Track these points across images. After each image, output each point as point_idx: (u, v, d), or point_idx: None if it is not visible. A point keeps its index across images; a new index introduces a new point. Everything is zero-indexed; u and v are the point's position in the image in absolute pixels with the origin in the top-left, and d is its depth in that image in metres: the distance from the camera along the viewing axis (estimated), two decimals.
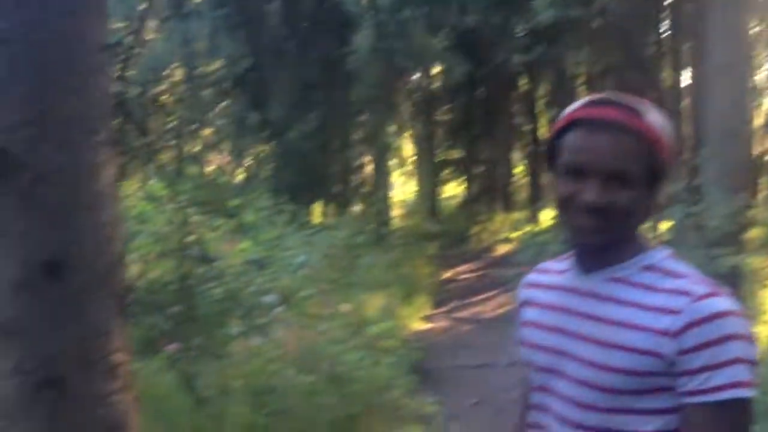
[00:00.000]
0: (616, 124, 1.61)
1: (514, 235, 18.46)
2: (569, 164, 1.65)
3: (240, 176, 16.68)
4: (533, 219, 19.43)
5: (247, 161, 18.88)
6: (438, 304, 12.42)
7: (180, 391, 4.99)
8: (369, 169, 17.55)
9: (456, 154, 24.67)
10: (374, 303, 9.11)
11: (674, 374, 1.58)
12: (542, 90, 22.87)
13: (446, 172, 24.75)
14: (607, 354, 1.62)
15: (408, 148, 21.25)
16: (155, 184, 5.68)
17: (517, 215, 21.42)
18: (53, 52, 2.02)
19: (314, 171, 11.71)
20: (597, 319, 1.66)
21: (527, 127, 23.36)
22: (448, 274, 16.01)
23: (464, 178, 25.13)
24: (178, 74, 17.58)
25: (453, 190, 27.13)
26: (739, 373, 1.53)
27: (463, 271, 16.59)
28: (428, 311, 11.77)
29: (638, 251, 1.69)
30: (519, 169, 25.93)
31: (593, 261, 1.70)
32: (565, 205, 1.67)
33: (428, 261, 15.71)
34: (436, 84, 22.52)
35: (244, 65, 10.63)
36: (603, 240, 1.66)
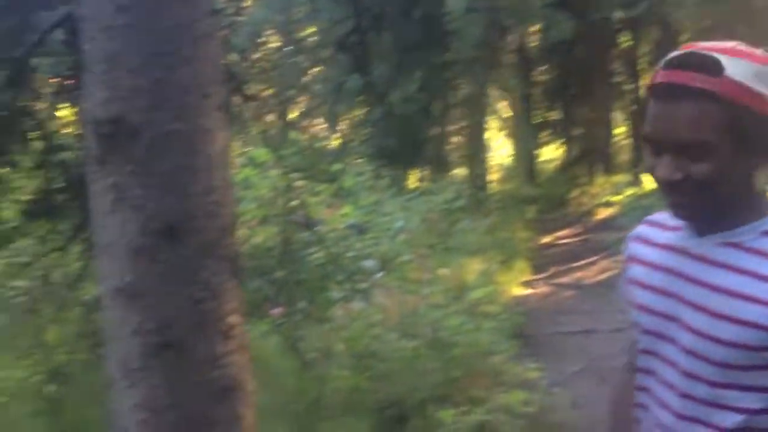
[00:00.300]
0: (688, 89, 1.45)
1: (615, 198, 18.03)
2: (645, 137, 1.53)
3: (336, 142, 16.80)
4: (635, 182, 18.91)
5: (345, 126, 19.01)
6: (538, 270, 12.28)
7: (284, 354, 5.09)
8: (467, 132, 17.38)
9: (554, 115, 24.21)
10: (473, 268, 9.07)
11: None
12: (644, 47, 22.12)
13: (544, 134, 24.33)
14: (716, 325, 1.50)
15: (505, 110, 20.91)
16: (259, 150, 5.76)
17: (619, 178, 20.85)
18: (167, 19, 2.05)
19: (414, 134, 11.67)
20: (707, 286, 1.54)
21: (628, 87, 22.68)
22: (547, 239, 15.80)
23: (563, 139, 24.66)
24: (275, 41, 17.76)
25: (552, 152, 26.70)
26: None
27: (562, 236, 16.33)
28: (528, 277, 11.66)
29: (759, 215, 1.54)
30: (620, 130, 25.26)
31: (705, 225, 1.56)
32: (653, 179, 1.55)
33: (527, 225, 15.53)
34: (534, 43, 22.09)
35: (346, 28, 10.59)
36: (691, 215, 1.55)
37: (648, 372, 1.65)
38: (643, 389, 1.67)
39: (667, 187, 1.51)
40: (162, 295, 2.08)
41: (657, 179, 1.53)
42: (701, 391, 1.54)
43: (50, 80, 4.32)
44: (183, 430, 2.12)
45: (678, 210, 1.55)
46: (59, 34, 3.91)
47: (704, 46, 1.50)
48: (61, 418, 4.56)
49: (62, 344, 4.76)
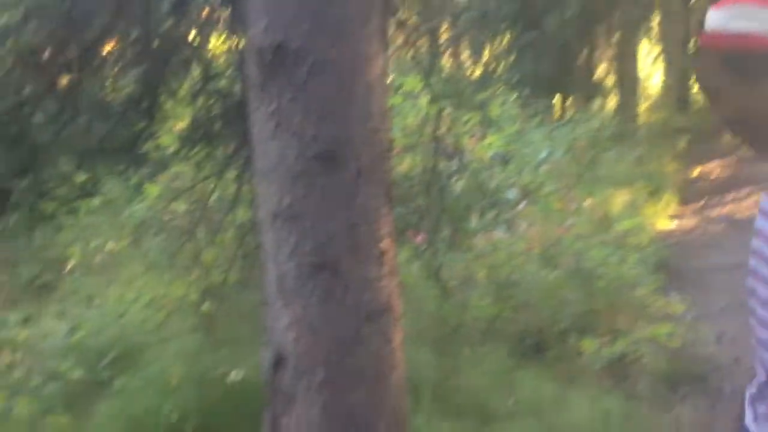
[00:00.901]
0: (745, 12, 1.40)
1: None
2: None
3: (481, 70, 16.54)
4: None
5: (491, 54, 18.65)
6: (686, 202, 11.84)
7: (426, 280, 5.14)
8: (620, 58, 16.67)
9: None
10: (619, 199, 8.84)
11: None
12: None
13: None
14: None
15: (662, 36, 19.89)
16: (408, 78, 5.74)
17: None
18: None
19: (567, 61, 11.33)
20: None
21: None
22: (697, 171, 15.16)
23: None
24: None
25: None
26: None
27: (713, 168, 15.62)
28: (676, 209, 11.27)
29: None
30: None
31: None
32: None
33: (677, 156, 14.94)
34: None
35: None
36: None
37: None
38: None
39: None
40: (319, 219, 2.14)
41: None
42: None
43: (205, 10, 4.44)
44: (335, 348, 2.18)
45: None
46: None
47: None
48: (215, 335, 4.82)
49: (217, 265, 4.98)
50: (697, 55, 1.55)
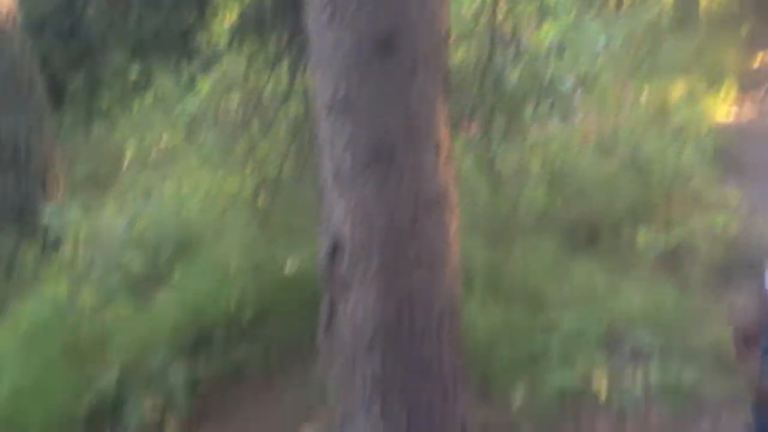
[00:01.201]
0: None
1: None
2: None
3: None
4: None
5: None
6: (747, 92, 11.48)
7: (480, 171, 5.11)
8: None
9: None
10: (677, 89, 8.60)
11: None
12: None
13: None
14: None
15: None
16: None
17: None
18: None
19: None
20: None
21: None
22: (758, 60, 14.62)
23: None
24: None
25: None
26: None
27: None
28: (736, 99, 10.95)
29: None
30: None
31: None
32: None
33: (738, 45, 14.40)
34: None
35: None
36: None
37: None
38: None
39: None
40: (375, 109, 2.12)
41: None
42: None
43: None
44: (392, 236, 2.20)
45: None
46: None
47: None
48: (271, 227, 4.88)
49: (271, 159, 5.00)
50: None
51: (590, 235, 5.15)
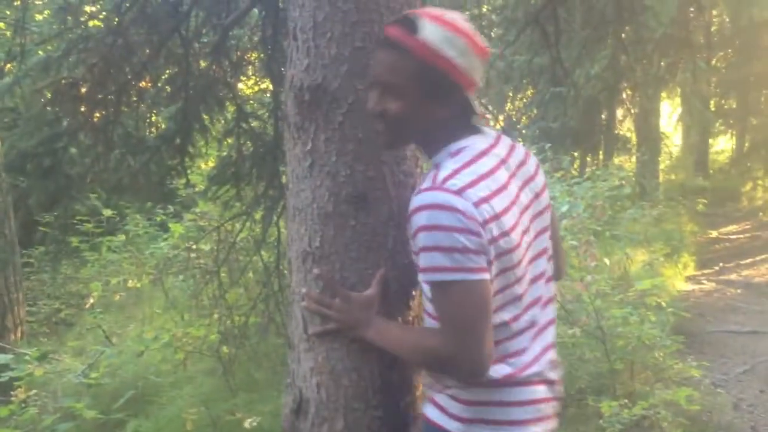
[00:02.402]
0: (388, 41, 1.86)
1: None
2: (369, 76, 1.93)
3: (501, 123, 16.66)
4: None
5: (511, 108, 18.76)
6: (704, 265, 11.79)
7: None
8: (641, 116, 16.67)
9: (730, 103, 22.97)
10: (638, 258, 8.81)
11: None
12: None
13: (718, 123, 23.15)
14: None
15: (681, 95, 19.94)
16: None
17: None
18: None
19: (589, 117, 11.37)
20: None
21: None
22: (715, 234, 15.12)
23: (738, 129, 23.38)
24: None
25: (725, 142, 25.39)
26: (429, 260, 1.77)
27: (732, 231, 15.56)
28: (693, 271, 11.22)
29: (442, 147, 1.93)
30: None
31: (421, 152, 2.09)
32: None
33: (695, 218, 14.91)
34: (715, 27, 21.00)
35: (539, 2, 10.32)
36: (386, 143, 1.98)
37: None
38: None
39: (372, 117, 1.92)
40: (347, 261, 2.14)
41: (367, 110, 1.93)
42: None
43: (239, 53, 4.51)
44: (361, 395, 2.16)
45: (379, 137, 1.96)
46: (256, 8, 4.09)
47: (427, 11, 1.87)
48: (234, 378, 4.80)
49: (239, 306, 4.98)
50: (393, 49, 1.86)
51: None
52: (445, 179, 1.81)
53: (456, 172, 1.82)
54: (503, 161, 1.94)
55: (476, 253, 1.77)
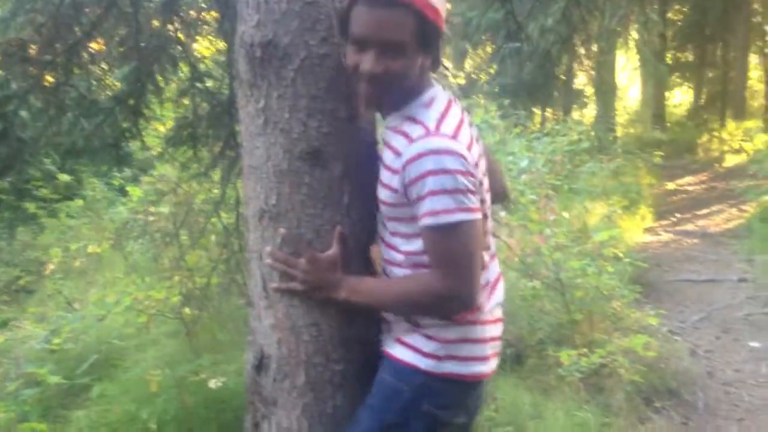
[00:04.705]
0: (384, 2, 1.86)
1: (746, 145, 17.26)
2: (353, 37, 1.92)
3: (461, 80, 16.64)
4: None
5: (472, 63, 18.72)
6: (662, 216, 11.98)
7: None
8: (598, 70, 16.77)
9: (687, 56, 23.17)
10: (596, 212, 8.92)
11: (410, 204, 1.91)
12: None
13: (675, 75, 23.35)
14: (378, 188, 2.02)
15: (638, 48, 20.15)
16: None
17: (751, 123, 19.91)
18: None
19: (546, 71, 11.37)
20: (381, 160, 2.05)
21: (767, 28, 21.43)
22: (672, 185, 15.34)
23: (694, 82, 23.62)
24: None
25: (682, 95, 25.65)
26: (436, 203, 1.84)
27: (688, 183, 15.81)
28: (651, 223, 11.40)
29: (402, 105, 1.99)
30: (755, 73, 23.96)
31: (387, 111, 2.07)
32: (352, 73, 1.95)
33: (653, 171, 15.10)
34: None
35: None
36: (378, 105, 2.03)
37: None
38: None
39: (367, 80, 1.91)
40: (304, 218, 2.14)
41: (360, 73, 1.92)
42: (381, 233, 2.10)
43: (194, 12, 4.45)
44: (321, 348, 2.18)
45: (370, 101, 1.99)
46: None
47: None
48: (197, 340, 4.80)
49: (200, 268, 4.97)
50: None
51: (517, 354, 5.21)
52: (437, 126, 1.90)
53: (441, 120, 1.92)
54: (461, 110, 2.05)
55: (473, 193, 1.88)
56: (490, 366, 2.11)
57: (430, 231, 1.89)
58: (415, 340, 2.06)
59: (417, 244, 1.97)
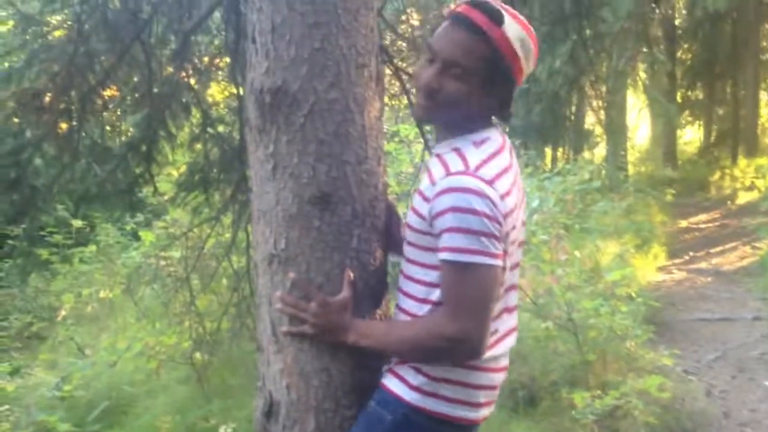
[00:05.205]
0: (473, 23, 1.91)
1: (759, 182, 17.20)
2: (428, 45, 1.98)
3: None
4: None
5: None
6: (674, 255, 11.91)
7: None
8: (608, 109, 16.83)
9: (697, 94, 23.23)
10: (608, 251, 8.88)
11: (434, 235, 1.92)
12: None
13: (686, 113, 23.39)
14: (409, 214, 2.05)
15: (648, 87, 20.20)
16: (403, 125, 5.80)
17: (763, 161, 19.85)
18: None
19: (556, 110, 11.48)
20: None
21: None
22: (685, 223, 15.28)
23: (705, 119, 23.66)
24: (418, 16, 17.63)
25: (693, 133, 25.67)
26: (459, 240, 1.84)
27: (701, 221, 15.73)
28: (664, 261, 11.33)
29: (457, 134, 2.02)
30: (765, 110, 23.97)
31: (440, 135, 2.10)
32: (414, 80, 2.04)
33: (664, 209, 15.06)
34: (680, 18, 21.28)
35: None
36: (423, 118, 2.09)
37: None
38: None
39: (422, 90, 1.98)
40: (313, 262, 2.14)
41: (418, 82, 2.00)
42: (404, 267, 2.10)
43: (208, 59, 4.51)
44: (331, 394, 2.16)
45: (418, 112, 2.06)
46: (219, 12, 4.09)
47: (504, 6, 1.96)
48: (207, 385, 4.78)
49: (210, 313, 4.96)
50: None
51: (530, 396, 5.17)
52: (477, 167, 1.91)
53: (485, 162, 1.93)
54: (511, 156, 2.07)
55: (498, 240, 1.87)
56: (481, 413, 2.08)
57: (448, 266, 1.89)
58: (405, 371, 2.04)
59: (433, 276, 1.97)
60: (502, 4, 1.98)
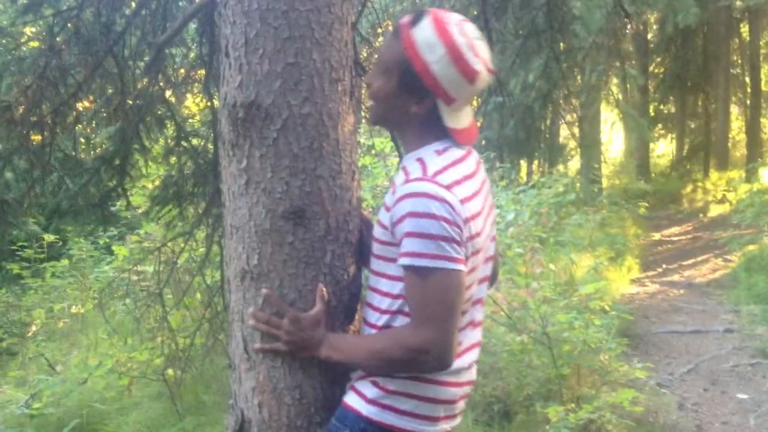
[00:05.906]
0: (396, 27, 1.98)
1: (730, 195, 17.40)
2: None
3: None
4: (752, 177, 18.15)
5: None
6: (647, 267, 12.01)
7: None
8: (582, 123, 16.97)
9: (669, 108, 23.48)
10: (583, 263, 8.93)
11: (396, 243, 1.91)
12: (765, 38, 21.25)
13: (658, 127, 23.63)
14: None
15: (621, 101, 20.36)
16: (378, 139, 5.79)
17: (734, 173, 20.11)
18: (300, 3, 2.10)
19: (530, 125, 11.53)
20: None
21: (746, 79, 21.81)
22: (658, 236, 15.41)
23: (677, 133, 23.92)
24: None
25: (665, 146, 25.92)
26: (417, 245, 1.83)
27: (674, 233, 15.89)
28: (637, 274, 11.41)
29: (420, 146, 2.02)
30: (736, 124, 24.29)
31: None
32: None
33: (638, 222, 15.19)
34: (652, 34, 21.50)
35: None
36: (372, 120, 2.11)
37: None
38: None
39: (367, 89, 2.05)
40: (286, 278, 2.13)
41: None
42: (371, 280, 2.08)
43: (183, 71, 4.48)
44: (304, 411, 2.15)
45: (369, 113, 2.10)
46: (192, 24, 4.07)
47: (440, 13, 1.97)
48: (180, 400, 4.73)
49: (183, 328, 4.91)
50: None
51: (505, 410, 5.17)
52: (436, 173, 1.90)
53: (445, 168, 1.92)
54: (477, 167, 2.07)
55: (460, 244, 1.86)
56: (441, 428, 2.04)
57: (408, 272, 1.88)
58: (363, 385, 2.03)
59: (399, 287, 1.95)
60: (444, 12, 1.98)
